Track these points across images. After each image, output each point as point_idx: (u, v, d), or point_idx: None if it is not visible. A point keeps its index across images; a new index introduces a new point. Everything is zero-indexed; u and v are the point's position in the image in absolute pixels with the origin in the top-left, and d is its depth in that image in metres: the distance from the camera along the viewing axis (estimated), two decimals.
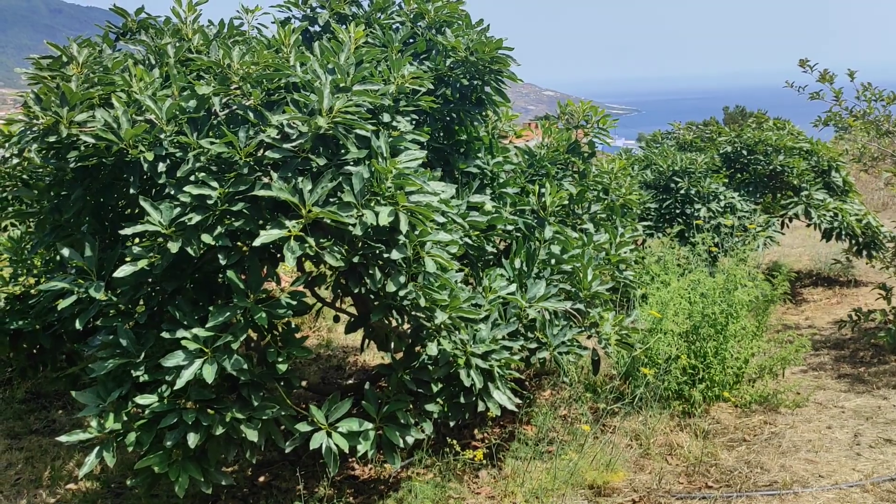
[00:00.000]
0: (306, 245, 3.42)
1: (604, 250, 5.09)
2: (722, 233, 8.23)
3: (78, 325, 3.68)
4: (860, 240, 8.70)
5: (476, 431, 5.14)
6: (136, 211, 4.06)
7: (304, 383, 5.77)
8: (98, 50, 4.35)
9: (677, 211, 8.71)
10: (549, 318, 4.55)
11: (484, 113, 4.90)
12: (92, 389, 3.68)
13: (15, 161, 5.69)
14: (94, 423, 3.54)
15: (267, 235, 3.33)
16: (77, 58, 3.97)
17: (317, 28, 4.99)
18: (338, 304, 5.11)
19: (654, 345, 4.97)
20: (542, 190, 5.04)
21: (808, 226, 9.19)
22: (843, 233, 8.66)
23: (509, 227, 4.85)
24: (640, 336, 5.03)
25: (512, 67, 4.68)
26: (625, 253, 5.16)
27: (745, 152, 9.13)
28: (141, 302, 3.90)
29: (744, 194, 8.97)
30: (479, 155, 5.11)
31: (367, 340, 5.03)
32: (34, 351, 5.64)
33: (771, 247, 9.04)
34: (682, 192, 8.69)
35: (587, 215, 5.69)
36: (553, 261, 4.85)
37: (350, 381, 6.74)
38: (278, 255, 3.84)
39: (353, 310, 5.11)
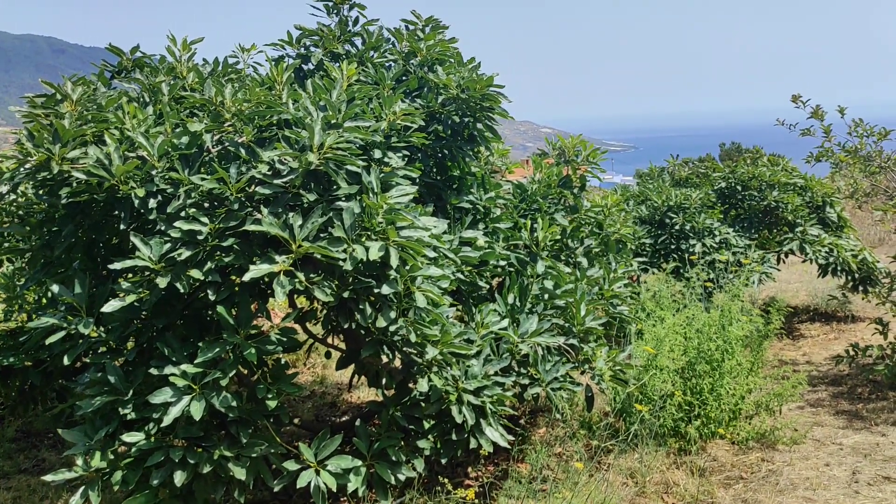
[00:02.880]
0: (296, 280, 3.42)
1: (597, 285, 5.09)
2: (717, 268, 8.23)
3: (66, 362, 3.65)
4: (856, 275, 8.71)
5: (469, 469, 5.07)
6: (130, 246, 4.05)
7: (296, 420, 5.72)
8: (93, 88, 4.39)
9: (672, 246, 8.73)
10: (542, 353, 4.52)
11: (476, 149, 4.94)
12: (79, 427, 3.64)
13: (12, 197, 5.73)
14: (80, 462, 3.49)
15: (256, 270, 3.33)
16: (71, 95, 4.01)
17: (310, 66, 5.05)
18: (330, 340, 5.08)
19: (649, 381, 4.93)
20: (535, 225, 5.05)
21: (804, 261, 9.20)
22: (839, 268, 8.67)
23: (502, 263, 4.85)
24: (635, 372, 4.99)
25: (504, 104, 4.73)
26: (619, 288, 5.15)
27: (739, 188, 9.18)
28: (131, 338, 3.89)
29: (739, 230, 8.99)
30: (472, 190, 5.13)
31: (355, 377, 4.99)
32: (25, 388, 5.61)
33: (767, 282, 9.04)
34: (677, 227, 8.72)
35: (581, 249, 5.69)
36: (546, 296, 4.84)
37: (344, 419, 6.68)
38: (269, 291, 3.84)
39: (344, 346, 5.08)
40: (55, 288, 3.76)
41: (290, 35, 5.11)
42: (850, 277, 8.78)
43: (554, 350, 4.63)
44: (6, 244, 5.92)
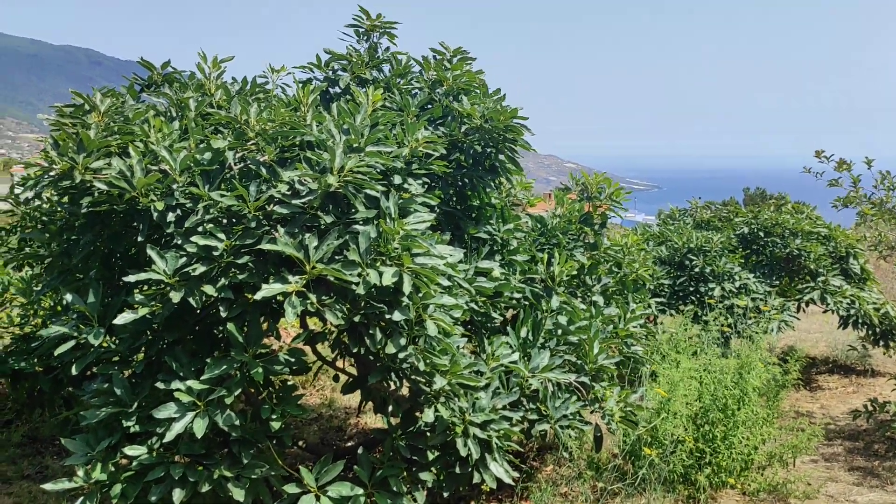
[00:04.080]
0: (307, 301, 3.40)
1: (612, 323, 5.02)
2: (735, 313, 8.12)
3: (74, 371, 3.65)
4: (877, 329, 8.55)
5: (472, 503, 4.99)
6: (146, 259, 4.07)
7: (301, 443, 5.66)
8: (121, 100, 4.44)
9: (691, 289, 8.63)
10: (552, 389, 4.46)
11: (497, 180, 4.92)
12: (82, 437, 3.62)
13: (36, 203, 5.80)
14: (80, 472, 3.47)
15: (269, 289, 3.32)
16: (99, 107, 4.06)
17: (337, 90, 5.09)
18: (339, 363, 5.05)
19: (660, 425, 4.83)
20: (552, 259, 5.01)
21: (825, 311, 9.06)
22: (861, 321, 8.53)
23: (517, 295, 4.81)
24: (647, 414, 4.90)
25: (527, 137, 4.72)
26: (634, 327, 5.08)
27: (761, 234, 9.08)
28: (140, 350, 3.88)
29: (759, 276, 8.88)
30: (491, 221, 5.11)
31: (364, 402, 4.94)
32: (34, 393, 5.62)
33: (787, 331, 8.89)
34: (697, 269, 8.63)
35: (598, 287, 5.63)
36: (559, 331, 4.78)
37: (349, 444, 6.62)
38: (281, 311, 3.82)
39: (353, 370, 5.04)
40: (69, 296, 3.77)
41: (319, 58, 5.16)
42: (870, 331, 8.63)
43: (564, 387, 4.56)
44: (27, 249, 5.99)
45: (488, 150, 4.73)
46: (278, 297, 3.39)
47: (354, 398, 7.85)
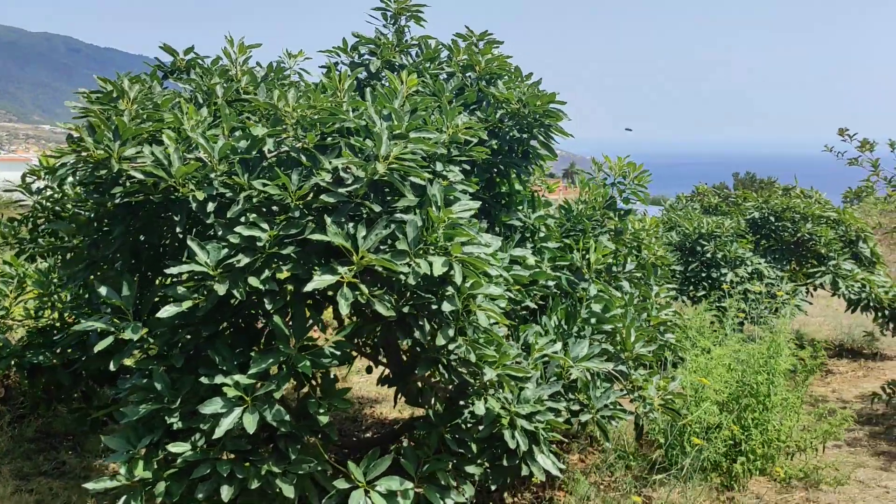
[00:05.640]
0: (357, 292, 3.31)
1: (645, 311, 4.96)
2: (749, 299, 8.10)
3: (112, 367, 3.53)
4: (886, 312, 8.58)
5: (506, 495, 4.93)
6: (182, 250, 3.95)
7: (319, 435, 5.59)
8: (147, 87, 4.31)
9: (703, 274, 8.61)
10: (590, 379, 4.39)
11: (530, 166, 4.83)
12: (121, 434, 3.51)
13: (48, 193, 5.65)
14: (122, 470, 3.36)
15: (320, 280, 3.22)
16: (128, 93, 3.92)
17: (364, 75, 4.97)
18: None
19: (699, 413, 4.79)
20: (587, 246, 4.94)
21: (834, 295, 9.08)
22: (871, 304, 8.55)
23: (551, 283, 4.73)
24: (682, 403, 4.86)
25: (562, 122, 4.63)
26: (666, 315, 5.03)
27: (772, 218, 9.07)
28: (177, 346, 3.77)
29: (770, 261, 8.87)
30: (520, 208, 5.03)
31: (398, 394, 4.87)
32: (51, 387, 5.49)
33: (795, 315, 8.91)
34: (709, 255, 8.60)
35: (623, 274, 5.57)
36: (593, 320, 4.72)
37: (367, 434, 6.54)
38: (323, 303, 3.73)
39: (386, 361, 4.95)
40: (103, 290, 3.64)
41: (346, 42, 5.03)
42: (879, 314, 8.65)
43: (602, 376, 4.50)
44: (40, 240, 5.84)
45: (523, 135, 4.63)
46: (328, 290, 3.29)
47: (366, 389, 7.78)
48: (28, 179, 5.83)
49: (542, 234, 5.03)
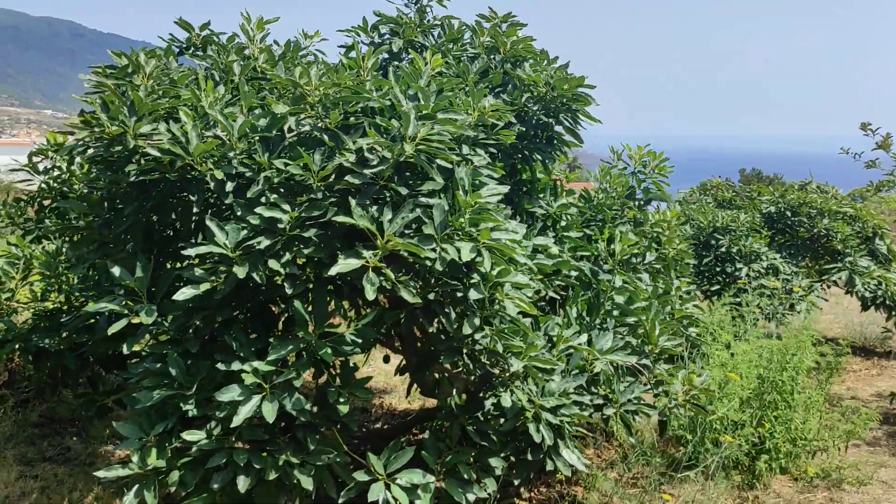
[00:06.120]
0: (382, 277, 3.17)
1: (669, 304, 4.83)
2: (765, 294, 7.97)
3: (126, 350, 3.40)
4: None
5: (522, 490, 4.81)
6: (195, 232, 3.81)
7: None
8: (163, 62, 4.16)
9: (717, 268, 8.48)
10: (612, 372, 4.27)
11: (555, 153, 4.68)
12: (134, 421, 3.39)
13: (56, 173, 5.50)
14: (135, 458, 3.24)
15: (345, 264, 3.08)
16: (144, 67, 3.78)
17: (384, 56, 4.82)
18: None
19: (726, 410, 4.66)
20: (612, 236, 4.80)
21: (847, 293, 8.96)
22: (886, 302, 8.43)
23: (573, 273, 4.60)
24: (708, 399, 4.73)
25: (589, 108, 4.48)
26: (689, 308, 4.90)
27: (788, 213, 8.93)
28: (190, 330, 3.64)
29: (785, 256, 8.74)
30: (541, 196, 4.89)
31: (412, 385, 4.74)
32: (57, 372, 5.35)
33: (801, 313, 8.80)
34: (723, 249, 8.46)
35: (643, 266, 5.43)
36: (616, 312, 4.58)
37: (377, 425, 6.42)
38: (344, 288, 3.60)
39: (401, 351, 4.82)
40: (116, 270, 3.51)
41: (366, 21, 4.88)
42: (894, 312, 8.53)
43: (625, 370, 4.37)
44: (46, 220, 5.70)
45: (549, 120, 4.49)
46: (351, 274, 3.15)
47: (376, 377, 7.65)
48: (35, 159, 5.69)
49: (563, 223, 4.90)
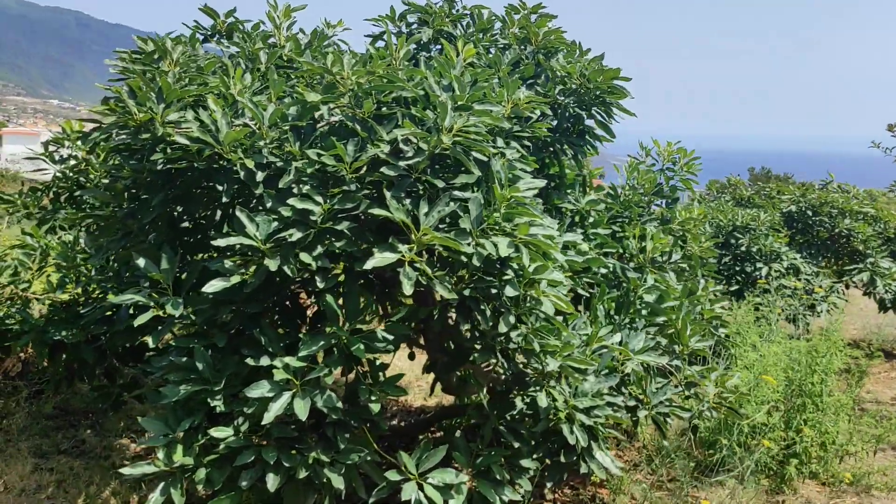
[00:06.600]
0: (417, 272, 3.07)
1: (699, 304, 4.73)
2: (785, 295, 7.86)
3: (151, 344, 3.32)
4: None
5: (546, 491, 4.72)
6: (222, 223, 3.72)
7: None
8: (190, 49, 4.06)
9: (737, 268, 8.36)
10: (644, 373, 4.17)
11: (586, 147, 4.57)
12: (159, 416, 3.30)
13: (72, 162, 5.41)
14: (161, 455, 3.15)
15: (381, 258, 2.98)
16: (171, 53, 3.68)
17: (413, 46, 4.71)
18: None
19: (759, 413, 4.56)
20: (643, 233, 4.70)
21: (866, 294, 8.85)
22: None
23: (603, 270, 4.50)
24: (739, 401, 4.62)
25: (623, 101, 4.37)
26: (719, 309, 4.79)
27: (809, 213, 8.81)
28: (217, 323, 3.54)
29: (805, 256, 8.63)
30: (569, 191, 4.79)
31: (435, 382, 4.65)
32: (73, 364, 5.27)
33: (834, 313, 8.69)
34: (743, 248, 8.35)
35: (669, 264, 5.33)
36: (646, 311, 4.48)
37: (394, 422, 6.34)
38: (375, 283, 3.51)
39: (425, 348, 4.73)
40: (141, 261, 3.41)
41: (394, 10, 4.77)
42: None
43: (656, 370, 4.28)
44: (63, 210, 5.61)
45: (582, 113, 4.38)
46: (387, 268, 3.05)
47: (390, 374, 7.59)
48: (51, 148, 5.60)
49: (591, 220, 4.79)
